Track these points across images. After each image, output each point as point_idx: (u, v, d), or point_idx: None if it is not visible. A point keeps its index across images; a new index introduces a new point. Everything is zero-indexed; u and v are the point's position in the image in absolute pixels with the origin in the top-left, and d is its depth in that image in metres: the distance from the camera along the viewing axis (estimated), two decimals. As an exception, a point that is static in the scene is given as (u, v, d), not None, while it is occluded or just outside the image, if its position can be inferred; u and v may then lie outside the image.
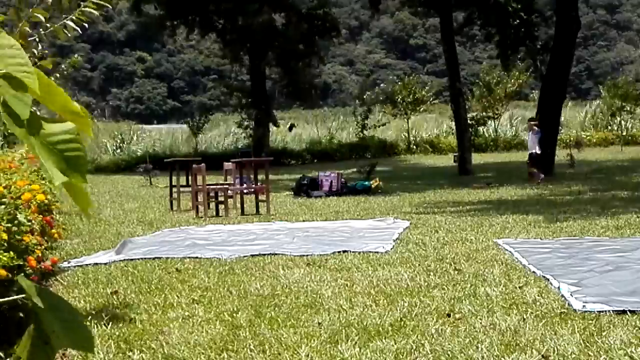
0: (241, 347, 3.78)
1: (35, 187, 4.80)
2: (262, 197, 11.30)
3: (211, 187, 11.33)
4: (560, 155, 18.46)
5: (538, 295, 4.65)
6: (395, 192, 13.58)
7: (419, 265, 5.91)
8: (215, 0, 25.75)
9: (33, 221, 4.37)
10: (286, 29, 27.38)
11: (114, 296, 5.14)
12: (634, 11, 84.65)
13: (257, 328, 4.12)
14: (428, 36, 78.20)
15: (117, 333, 4.12)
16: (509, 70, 26.73)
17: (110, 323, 4.31)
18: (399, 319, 4.18)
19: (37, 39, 3.73)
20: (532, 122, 15.98)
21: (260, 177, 11.76)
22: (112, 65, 73.58)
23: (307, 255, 6.56)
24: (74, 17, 3.46)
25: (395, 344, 3.71)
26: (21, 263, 3.77)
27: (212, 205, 11.37)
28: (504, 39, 19.98)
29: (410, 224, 8.81)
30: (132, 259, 6.69)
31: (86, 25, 3.54)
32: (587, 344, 3.59)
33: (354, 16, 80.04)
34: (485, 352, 3.52)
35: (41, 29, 3.58)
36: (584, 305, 4.28)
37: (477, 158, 22.65)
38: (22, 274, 3.66)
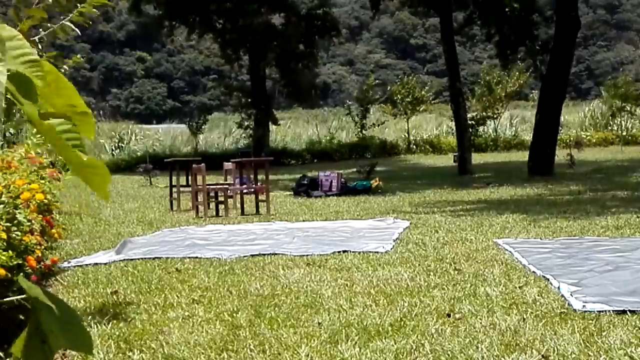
0: (241, 347, 3.77)
1: (34, 186, 4.80)
2: (262, 197, 11.30)
3: (211, 187, 11.33)
4: (560, 155, 18.45)
5: (538, 295, 4.65)
6: (395, 192, 13.58)
7: (419, 265, 5.91)
8: (215, 0, 25.75)
9: (33, 221, 4.37)
10: (286, 29, 27.38)
11: (114, 296, 5.14)
12: (634, 11, 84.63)
13: (257, 328, 4.12)
14: (428, 36, 78.22)
15: (117, 333, 4.11)
16: (509, 70, 26.74)
17: (110, 323, 4.31)
18: (399, 319, 4.18)
19: (38, 40, 3.73)
20: None
21: (260, 177, 11.76)
22: (112, 65, 73.57)
23: (307, 255, 6.56)
24: (72, 17, 3.46)
25: (395, 344, 3.71)
26: (21, 263, 3.77)
27: (212, 205, 11.37)
28: (504, 38, 19.98)
29: (410, 224, 8.81)
30: (132, 259, 6.69)
31: (86, 25, 3.54)
32: (587, 344, 3.59)
33: (354, 16, 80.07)
34: (485, 352, 3.52)
35: (41, 29, 3.58)
36: (584, 305, 4.28)
37: (477, 158, 22.65)
38: (22, 274, 3.66)
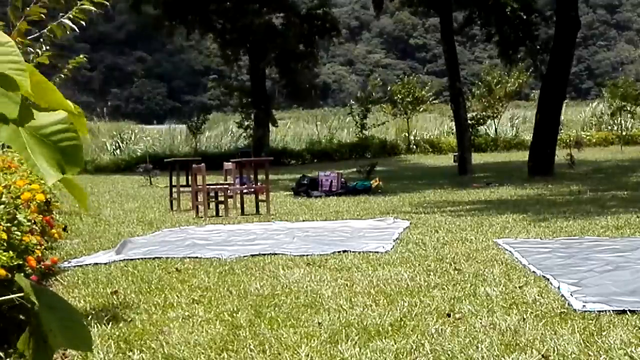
0: (241, 347, 3.78)
1: (34, 186, 4.80)
2: (262, 197, 11.30)
3: (211, 187, 11.33)
4: (560, 155, 18.45)
5: (538, 295, 4.65)
6: (395, 192, 13.58)
7: (419, 265, 5.91)
8: (215, 0, 25.75)
9: (33, 221, 4.37)
10: (286, 29, 27.38)
11: (114, 296, 5.14)
12: (634, 11, 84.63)
13: (257, 328, 4.12)
14: (428, 36, 78.21)
15: (117, 333, 4.11)
16: (509, 69, 26.73)
17: (110, 323, 4.31)
18: (399, 319, 4.18)
19: (41, 39, 3.74)
20: None
21: (260, 177, 11.76)
22: (112, 65, 73.53)
23: (307, 255, 6.56)
24: (71, 16, 3.46)
25: (395, 343, 3.71)
26: (21, 263, 3.77)
27: (212, 205, 11.37)
28: (504, 38, 19.98)
29: (410, 223, 8.81)
30: (132, 259, 6.69)
31: (84, 23, 3.54)
32: (587, 344, 3.59)
33: (354, 16, 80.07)
34: (485, 352, 3.52)
35: (42, 30, 3.58)
36: (584, 305, 4.27)
37: (477, 158, 22.65)
38: (22, 274, 3.66)
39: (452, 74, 19.48)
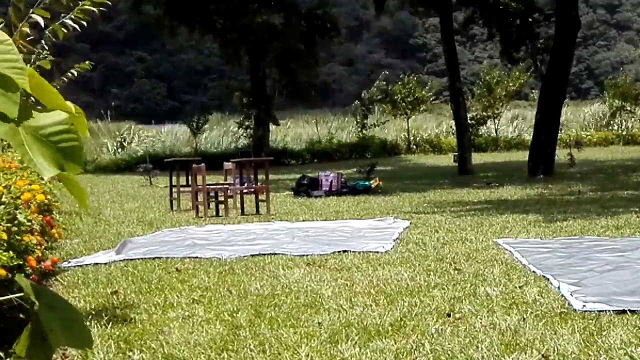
0: (241, 347, 3.78)
1: (35, 187, 4.80)
2: (262, 197, 11.30)
3: (211, 187, 11.33)
4: (561, 155, 18.45)
5: (538, 295, 4.65)
6: (395, 192, 13.59)
7: (419, 265, 5.91)
8: (215, 0, 25.74)
9: (33, 221, 4.37)
10: (286, 29, 27.37)
11: (114, 296, 5.14)
12: (634, 11, 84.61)
13: (257, 328, 4.12)
14: (428, 36, 78.19)
15: (117, 333, 4.11)
16: (513, 67, 26.71)
17: (110, 323, 4.31)
18: (399, 319, 4.18)
19: (43, 41, 3.74)
20: None
21: (260, 177, 11.76)
22: (112, 65, 73.50)
23: (307, 255, 6.56)
24: (72, 16, 3.46)
25: (395, 343, 3.71)
26: (21, 263, 3.77)
27: (212, 205, 11.37)
28: (505, 38, 19.99)
29: (410, 223, 8.81)
30: (132, 259, 6.69)
31: (85, 24, 3.54)
32: (587, 344, 3.59)
33: (354, 16, 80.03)
34: (485, 352, 3.52)
35: (44, 30, 3.58)
36: (584, 305, 4.27)
37: (477, 158, 22.65)
38: (22, 274, 3.66)
39: (452, 73, 19.49)
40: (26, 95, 1.04)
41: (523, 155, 20.46)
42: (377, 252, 6.60)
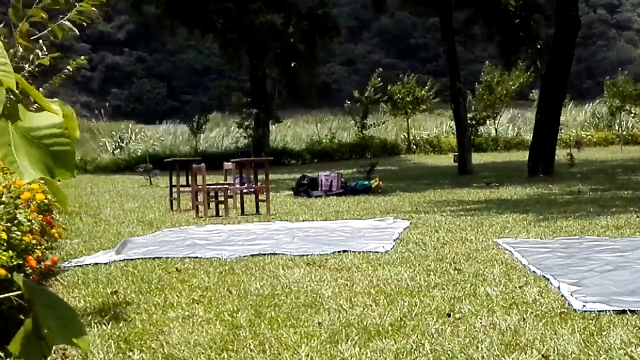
0: (241, 347, 3.77)
1: (34, 186, 4.80)
2: (262, 197, 11.30)
3: (211, 187, 11.33)
4: (560, 155, 18.45)
5: (538, 295, 4.65)
6: (395, 192, 13.59)
7: (419, 265, 5.91)
8: (215, 0, 25.76)
9: (33, 221, 4.37)
10: (286, 29, 27.38)
11: (114, 296, 5.14)
12: (634, 11, 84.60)
13: (257, 328, 4.12)
14: (428, 36, 78.14)
15: (117, 333, 4.11)
16: (513, 67, 26.70)
17: (110, 323, 4.31)
18: (399, 319, 4.17)
19: (41, 41, 3.74)
20: None
21: (260, 177, 11.76)
22: (112, 65, 73.51)
23: (307, 255, 6.56)
24: (70, 17, 3.46)
25: (395, 343, 3.71)
26: (21, 263, 3.77)
27: (212, 205, 11.37)
28: (505, 38, 19.99)
29: (410, 223, 8.81)
30: (132, 259, 6.69)
31: (84, 23, 3.54)
32: (587, 344, 3.59)
33: (354, 16, 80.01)
34: (485, 352, 3.52)
35: (43, 30, 3.58)
36: (584, 305, 4.27)
37: (477, 158, 22.66)
38: (22, 274, 3.66)
39: (452, 73, 19.49)
40: (19, 96, 1.04)
41: (523, 155, 20.46)
42: (377, 252, 6.59)
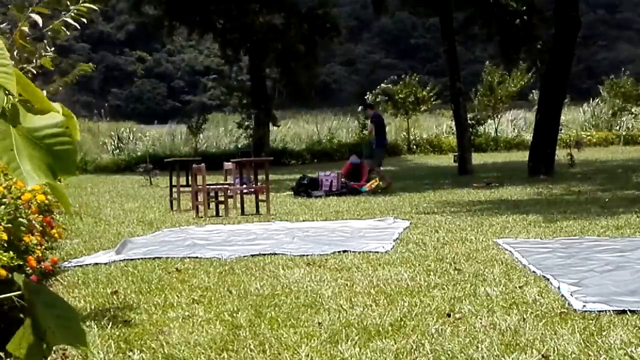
0: (241, 347, 3.78)
1: (35, 187, 4.80)
2: (262, 197, 11.30)
3: (211, 187, 11.34)
4: (560, 155, 18.45)
5: (538, 295, 4.65)
6: (395, 192, 13.59)
7: (419, 265, 5.91)
8: (215, 0, 25.76)
9: (33, 221, 4.37)
10: (286, 29, 27.38)
11: (114, 296, 5.14)
12: (634, 11, 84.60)
13: (257, 328, 4.12)
14: (428, 36, 78.15)
15: (117, 333, 4.12)
16: (513, 68, 26.69)
17: (111, 323, 4.31)
18: (399, 319, 4.18)
19: (45, 41, 3.74)
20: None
21: (260, 177, 11.76)
22: (112, 65, 73.53)
23: (307, 255, 6.56)
24: (72, 14, 3.46)
25: (395, 343, 3.71)
26: (21, 263, 3.78)
27: (212, 205, 11.37)
28: (505, 39, 19.99)
29: (410, 223, 8.81)
30: (132, 259, 6.69)
31: (84, 20, 3.54)
32: (587, 344, 3.59)
33: (354, 16, 80.00)
34: (485, 352, 3.52)
35: (45, 30, 3.58)
36: (584, 305, 4.28)
37: (477, 158, 22.66)
38: (22, 274, 3.66)
39: (452, 73, 19.49)
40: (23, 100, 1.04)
41: (523, 155, 20.46)
42: (377, 252, 6.60)
